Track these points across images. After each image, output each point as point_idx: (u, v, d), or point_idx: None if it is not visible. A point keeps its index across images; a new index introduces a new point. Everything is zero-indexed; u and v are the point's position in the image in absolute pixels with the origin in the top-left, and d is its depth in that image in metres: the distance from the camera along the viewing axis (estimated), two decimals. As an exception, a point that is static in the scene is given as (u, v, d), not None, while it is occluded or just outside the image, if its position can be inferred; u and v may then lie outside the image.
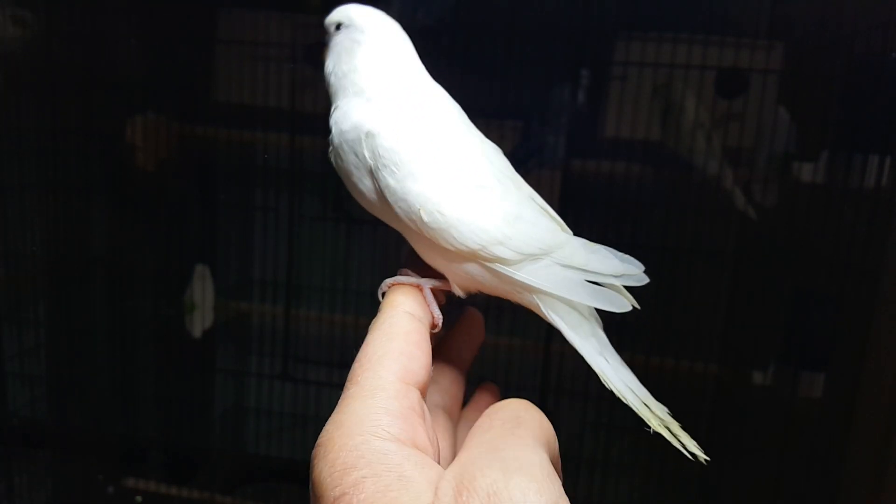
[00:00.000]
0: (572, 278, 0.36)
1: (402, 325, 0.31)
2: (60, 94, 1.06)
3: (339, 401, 0.28)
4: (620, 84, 0.93)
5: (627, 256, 0.37)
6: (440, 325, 0.35)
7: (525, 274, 0.36)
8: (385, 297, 0.34)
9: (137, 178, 1.10)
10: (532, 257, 0.36)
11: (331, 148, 0.38)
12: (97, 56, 1.07)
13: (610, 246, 0.38)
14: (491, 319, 1.03)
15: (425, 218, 0.35)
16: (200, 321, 1.13)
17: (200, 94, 1.09)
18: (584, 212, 0.95)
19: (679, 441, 0.35)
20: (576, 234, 0.39)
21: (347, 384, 0.28)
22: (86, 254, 1.13)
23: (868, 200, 0.78)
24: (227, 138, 1.11)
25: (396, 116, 0.36)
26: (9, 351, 1.10)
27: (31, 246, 1.08)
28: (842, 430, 0.79)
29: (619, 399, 0.37)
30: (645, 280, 0.37)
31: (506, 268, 0.36)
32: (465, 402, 0.39)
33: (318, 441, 0.26)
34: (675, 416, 0.37)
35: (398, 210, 0.35)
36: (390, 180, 0.35)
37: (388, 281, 0.36)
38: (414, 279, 0.36)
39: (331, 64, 0.40)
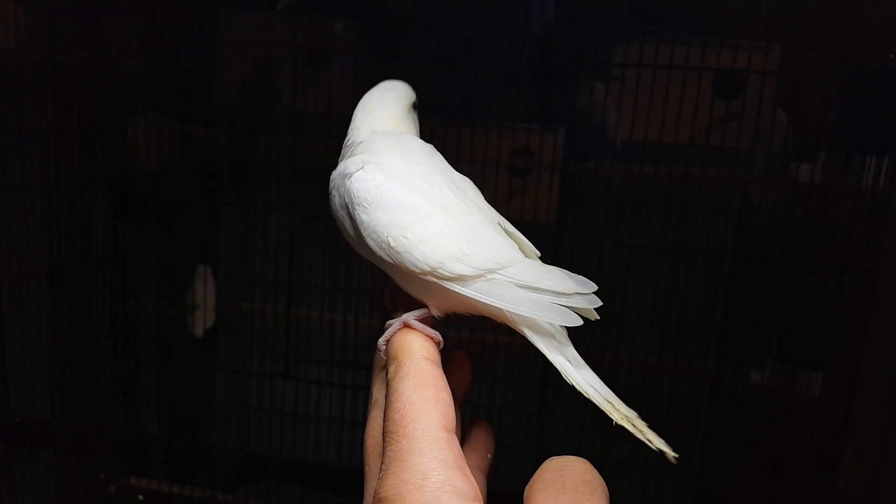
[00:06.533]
0: (527, 297, 0.38)
1: (427, 372, 0.32)
2: (62, 95, 1.07)
3: (391, 454, 0.29)
4: (619, 85, 0.93)
5: (581, 277, 0.40)
6: (442, 342, 0.37)
7: (473, 291, 0.38)
8: (395, 344, 0.35)
9: (139, 178, 1.11)
10: (489, 272, 0.38)
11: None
12: (99, 57, 1.07)
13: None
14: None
15: (392, 243, 0.38)
16: (202, 320, 1.13)
17: (202, 94, 1.10)
18: (584, 212, 0.96)
19: (646, 437, 0.37)
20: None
21: (394, 437, 0.29)
22: (88, 253, 1.13)
23: (865, 201, 0.78)
24: (228, 139, 1.11)
25: (372, 161, 0.41)
26: (11, 350, 1.11)
27: (34, 245, 1.09)
28: (839, 428, 0.79)
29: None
30: (597, 302, 0.39)
31: (463, 288, 0.38)
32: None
33: (380, 495, 0.27)
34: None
35: (370, 242, 0.39)
36: (363, 216, 0.39)
37: (383, 339, 0.37)
38: (398, 323, 0.37)
39: None
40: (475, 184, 0.45)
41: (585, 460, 0.31)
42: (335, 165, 0.44)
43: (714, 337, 0.99)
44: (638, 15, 0.93)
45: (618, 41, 0.92)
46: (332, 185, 0.43)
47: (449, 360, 0.40)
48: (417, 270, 0.38)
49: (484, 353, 1.01)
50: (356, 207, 0.39)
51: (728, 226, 0.96)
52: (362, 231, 0.39)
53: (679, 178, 0.93)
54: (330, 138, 0.98)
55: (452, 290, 0.38)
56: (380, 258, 0.39)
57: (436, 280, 0.38)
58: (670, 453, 0.36)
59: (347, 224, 0.41)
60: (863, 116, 0.81)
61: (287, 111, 1.04)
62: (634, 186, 0.95)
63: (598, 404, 0.38)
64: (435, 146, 0.45)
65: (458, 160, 0.92)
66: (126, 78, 1.09)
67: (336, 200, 0.42)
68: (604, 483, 0.30)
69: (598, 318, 0.40)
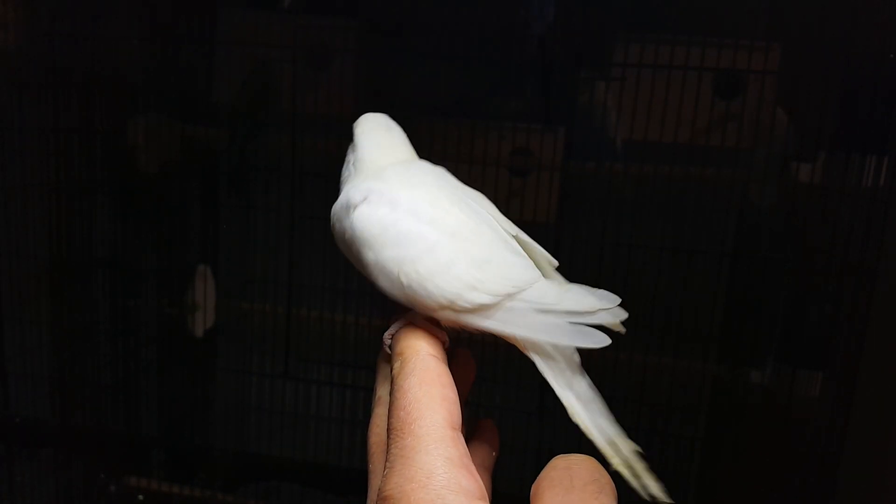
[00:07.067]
0: (547, 321, 0.36)
1: (432, 369, 0.31)
2: (62, 95, 1.07)
3: (395, 451, 0.28)
4: (619, 85, 0.93)
5: (602, 291, 0.37)
6: (448, 340, 0.36)
7: (493, 322, 0.36)
8: (400, 341, 0.35)
9: (139, 178, 1.11)
10: (507, 297, 0.36)
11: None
12: (99, 56, 1.07)
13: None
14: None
15: (404, 280, 0.36)
16: (202, 320, 1.13)
17: (202, 94, 1.10)
18: (584, 212, 0.96)
19: (642, 483, 0.35)
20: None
21: (398, 434, 0.29)
22: (88, 253, 1.13)
23: (865, 200, 0.78)
24: (228, 139, 1.11)
25: (376, 190, 0.39)
26: (11, 350, 1.11)
27: (34, 245, 1.09)
28: (839, 428, 0.79)
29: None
30: (622, 315, 0.37)
31: (481, 320, 0.36)
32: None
33: (385, 493, 0.27)
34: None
35: (382, 282, 0.37)
36: (369, 255, 0.37)
37: (388, 334, 0.37)
38: (402, 320, 0.36)
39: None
40: (477, 187, 0.43)
41: (593, 458, 0.30)
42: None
43: (714, 337, 0.99)
44: (638, 15, 0.93)
45: (618, 41, 0.92)
46: (333, 217, 0.40)
47: (453, 359, 0.39)
48: (435, 305, 0.36)
49: (484, 353, 1.01)
50: (361, 247, 0.38)
51: (728, 226, 0.96)
52: (371, 270, 0.38)
53: (679, 178, 0.92)
54: (330, 138, 0.99)
55: (470, 322, 0.36)
56: (394, 295, 0.37)
57: (454, 314, 0.36)
58: (666, 501, 0.36)
59: (351, 256, 0.39)
60: (863, 116, 0.81)
61: (287, 111, 1.04)
62: (634, 186, 0.95)
63: (598, 447, 0.36)
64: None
65: (458, 160, 0.92)
66: (126, 78, 1.09)
67: (336, 229, 0.40)
68: (612, 482, 0.29)
69: (624, 331, 0.37)
